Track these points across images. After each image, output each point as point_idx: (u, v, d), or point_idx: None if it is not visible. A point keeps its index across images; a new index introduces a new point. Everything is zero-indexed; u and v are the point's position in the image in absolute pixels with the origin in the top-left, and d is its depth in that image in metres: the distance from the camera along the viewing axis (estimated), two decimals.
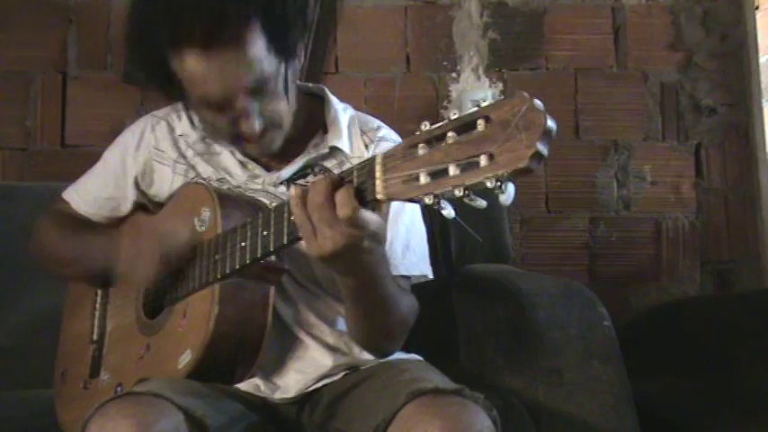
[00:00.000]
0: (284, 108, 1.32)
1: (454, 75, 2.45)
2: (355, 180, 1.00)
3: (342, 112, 1.44)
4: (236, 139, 1.34)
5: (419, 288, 1.39)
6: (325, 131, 1.42)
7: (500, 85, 2.46)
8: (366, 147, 1.43)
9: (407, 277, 1.36)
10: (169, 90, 1.32)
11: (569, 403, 1.49)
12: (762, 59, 2.44)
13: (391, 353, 1.36)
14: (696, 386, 1.81)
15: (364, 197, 0.99)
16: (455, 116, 0.90)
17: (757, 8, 2.46)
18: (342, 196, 0.99)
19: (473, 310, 1.90)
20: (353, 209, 0.99)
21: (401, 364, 1.31)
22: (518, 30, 2.47)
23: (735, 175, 2.49)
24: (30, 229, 1.57)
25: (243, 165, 1.42)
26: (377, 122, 1.48)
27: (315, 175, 1.40)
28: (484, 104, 0.87)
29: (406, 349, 1.41)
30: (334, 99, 1.46)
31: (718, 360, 1.87)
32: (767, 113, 2.43)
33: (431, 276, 1.41)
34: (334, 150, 1.41)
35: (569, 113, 2.46)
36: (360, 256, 1.06)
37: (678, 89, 2.49)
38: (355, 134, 1.44)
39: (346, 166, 1.39)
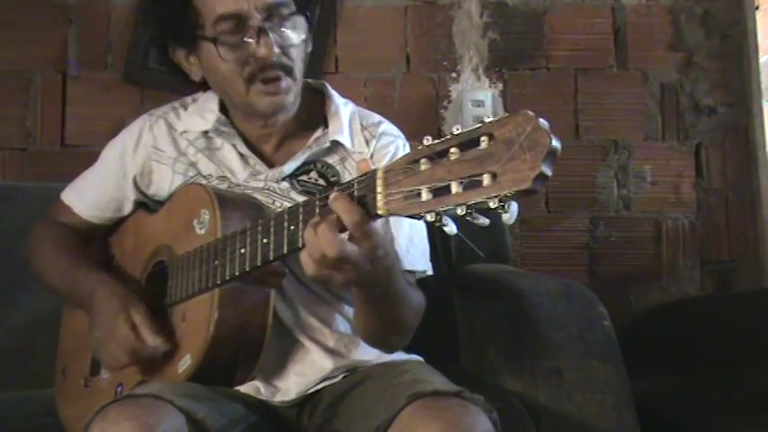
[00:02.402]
0: (298, 55, 1.35)
1: (454, 75, 2.45)
2: (355, 193, 0.99)
3: (343, 107, 1.45)
4: (252, 84, 1.34)
5: (420, 288, 1.39)
6: (326, 126, 1.42)
7: (500, 86, 2.46)
8: (367, 142, 1.43)
9: (412, 272, 1.36)
10: (187, 43, 1.36)
11: (569, 403, 1.49)
12: (762, 59, 2.44)
13: (400, 347, 1.36)
14: (696, 386, 1.81)
15: (364, 211, 0.99)
16: (458, 131, 0.89)
17: (757, 8, 2.46)
18: (344, 210, 0.99)
19: (473, 310, 1.90)
20: (360, 215, 0.98)
21: (401, 365, 1.31)
22: (518, 30, 2.47)
23: (735, 175, 2.49)
24: (29, 229, 1.57)
25: (244, 160, 1.42)
26: (378, 117, 1.49)
27: (317, 171, 1.40)
28: (488, 121, 0.86)
29: (406, 349, 1.41)
30: (334, 94, 1.47)
31: (718, 360, 1.87)
32: (767, 113, 2.43)
33: (430, 272, 1.41)
34: (336, 145, 1.41)
35: (569, 113, 2.46)
36: (376, 268, 1.07)
37: (678, 89, 2.49)
38: (356, 129, 1.44)
39: (348, 162, 1.40)
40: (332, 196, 1.00)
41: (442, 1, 2.46)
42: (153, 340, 1.28)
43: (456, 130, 0.89)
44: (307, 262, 1.04)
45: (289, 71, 1.34)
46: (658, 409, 1.68)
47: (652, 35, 2.50)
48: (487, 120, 0.87)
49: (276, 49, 1.31)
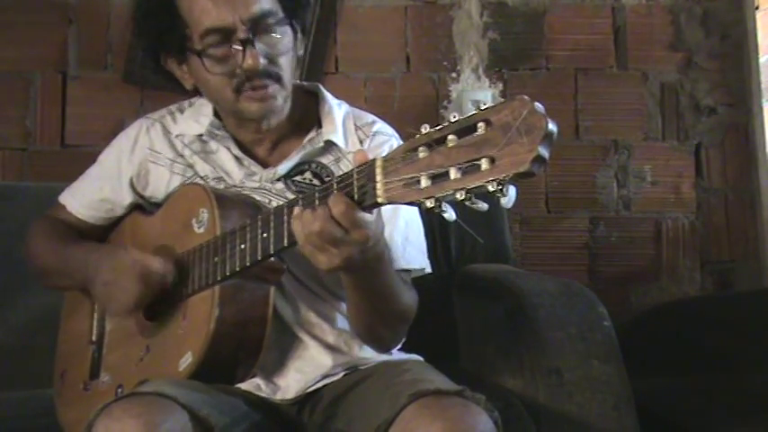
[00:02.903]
0: (286, 63, 1.35)
1: (454, 75, 2.45)
2: (355, 183, 1.00)
3: (336, 108, 1.45)
4: (240, 93, 1.34)
5: (419, 287, 1.39)
6: (320, 127, 1.43)
7: (500, 86, 2.46)
8: (361, 142, 1.44)
9: (408, 271, 1.36)
10: (178, 54, 1.37)
11: (569, 403, 1.49)
12: (762, 59, 2.44)
13: (392, 346, 1.37)
14: (696, 386, 1.81)
15: (364, 200, 1.00)
16: (455, 119, 0.90)
17: (757, 8, 2.46)
18: (338, 208, 1.01)
19: (473, 310, 1.90)
20: (345, 204, 1.01)
21: (402, 364, 1.31)
22: (518, 30, 2.47)
23: (735, 175, 2.49)
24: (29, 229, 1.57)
25: (239, 161, 1.42)
26: (371, 117, 1.50)
27: (311, 171, 1.40)
28: (484, 107, 0.87)
29: (407, 349, 1.41)
30: (328, 95, 1.48)
31: (718, 360, 1.87)
32: (767, 113, 2.43)
33: (429, 270, 1.41)
34: (330, 145, 1.42)
35: (569, 113, 2.46)
36: (366, 255, 1.08)
37: (678, 89, 2.49)
38: (350, 129, 1.45)
39: (342, 162, 1.41)
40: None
41: (442, 1, 2.46)
42: (160, 262, 1.29)
43: (453, 117, 0.90)
44: (299, 235, 1.07)
45: (276, 78, 1.34)
46: (658, 409, 1.68)
47: (652, 35, 2.50)
48: (484, 107, 0.88)
49: (262, 60, 1.31)
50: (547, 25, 2.48)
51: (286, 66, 1.35)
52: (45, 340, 1.63)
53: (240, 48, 1.30)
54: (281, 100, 1.36)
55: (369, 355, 1.38)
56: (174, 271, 1.29)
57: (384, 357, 1.38)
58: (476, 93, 2.43)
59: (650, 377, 1.76)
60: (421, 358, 1.41)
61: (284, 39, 1.35)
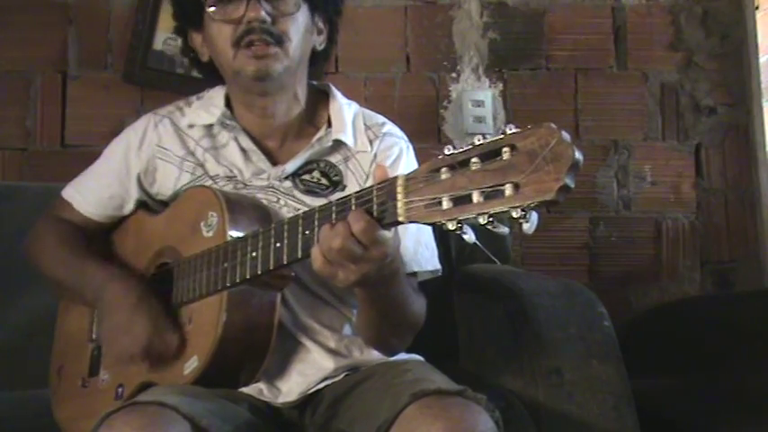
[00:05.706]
0: (293, 30, 1.36)
1: (454, 75, 2.45)
2: (375, 200, 1.00)
3: (346, 108, 1.46)
4: (239, 48, 1.35)
5: (426, 287, 1.39)
6: (330, 126, 1.43)
7: (500, 86, 2.45)
8: (370, 142, 1.45)
9: (414, 274, 1.36)
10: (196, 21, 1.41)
11: (569, 403, 1.49)
12: (762, 59, 2.44)
13: (399, 351, 1.37)
14: (696, 386, 1.81)
15: (384, 218, 1.00)
16: (480, 142, 0.90)
17: (757, 8, 2.46)
18: (358, 226, 1.01)
19: (473, 310, 1.90)
20: (367, 222, 1.00)
21: (403, 365, 1.31)
22: (518, 30, 2.47)
23: (735, 175, 2.49)
24: (30, 229, 1.57)
25: (247, 156, 1.42)
26: (381, 118, 1.50)
27: (319, 170, 1.40)
28: (509, 132, 0.87)
29: (407, 349, 1.41)
30: (339, 95, 1.48)
31: (718, 360, 1.87)
32: (767, 113, 2.43)
33: (440, 272, 1.41)
34: (339, 144, 1.42)
35: (569, 113, 2.46)
36: (383, 272, 1.09)
37: (678, 89, 2.49)
38: (359, 129, 1.45)
39: (351, 162, 1.41)
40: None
41: (442, 1, 2.46)
42: (170, 336, 1.28)
43: (477, 140, 0.90)
44: (316, 255, 1.06)
45: (278, 40, 1.35)
46: (658, 409, 1.68)
47: (652, 35, 2.50)
48: (509, 131, 0.88)
49: (264, 14, 1.33)
50: (547, 25, 2.48)
51: (292, 34, 1.36)
52: (44, 340, 1.62)
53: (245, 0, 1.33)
54: (281, 67, 1.36)
55: (370, 357, 1.37)
56: (177, 344, 1.29)
57: (385, 358, 1.37)
58: (476, 93, 2.43)
59: (650, 377, 1.75)
60: (421, 358, 1.41)
61: (293, 7, 1.36)
